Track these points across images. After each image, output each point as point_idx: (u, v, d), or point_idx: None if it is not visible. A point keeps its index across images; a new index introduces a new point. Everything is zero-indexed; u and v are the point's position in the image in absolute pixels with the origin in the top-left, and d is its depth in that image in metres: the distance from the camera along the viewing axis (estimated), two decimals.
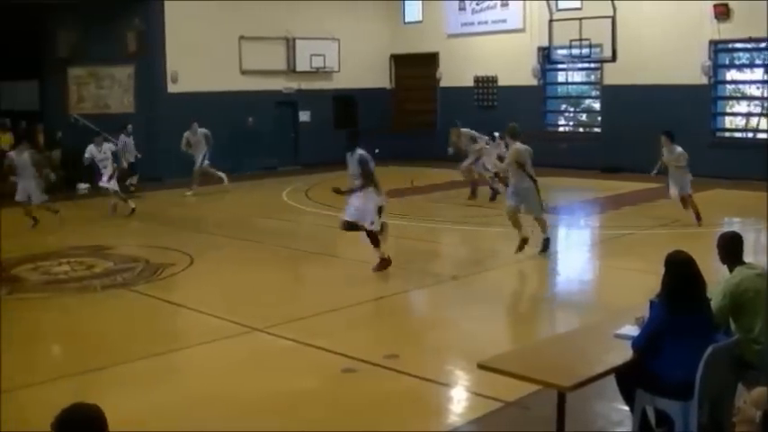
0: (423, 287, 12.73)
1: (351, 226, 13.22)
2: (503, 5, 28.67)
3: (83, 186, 24.28)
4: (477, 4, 29.36)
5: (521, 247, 13.89)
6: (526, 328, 10.25)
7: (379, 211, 13.11)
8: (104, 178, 19.78)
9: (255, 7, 27.10)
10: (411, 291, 12.72)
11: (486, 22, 29.20)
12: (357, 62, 30.25)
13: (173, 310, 11.95)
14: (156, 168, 25.03)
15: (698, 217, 16.32)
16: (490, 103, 29.12)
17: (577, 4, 26.05)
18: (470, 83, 29.76)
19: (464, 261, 14.71)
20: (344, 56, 29.75)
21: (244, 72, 27.67)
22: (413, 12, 31.75)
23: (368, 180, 12.87)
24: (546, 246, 14.23)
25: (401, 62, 32.21)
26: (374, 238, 13.12)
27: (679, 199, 16.51)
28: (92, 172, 22.41)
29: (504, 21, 28.65)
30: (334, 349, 9.37)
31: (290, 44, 28.80)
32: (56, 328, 11.14)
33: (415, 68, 31.63)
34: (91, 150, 19.82)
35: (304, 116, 29.30)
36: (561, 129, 29.27)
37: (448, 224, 17.99)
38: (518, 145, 14.05)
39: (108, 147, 20.08)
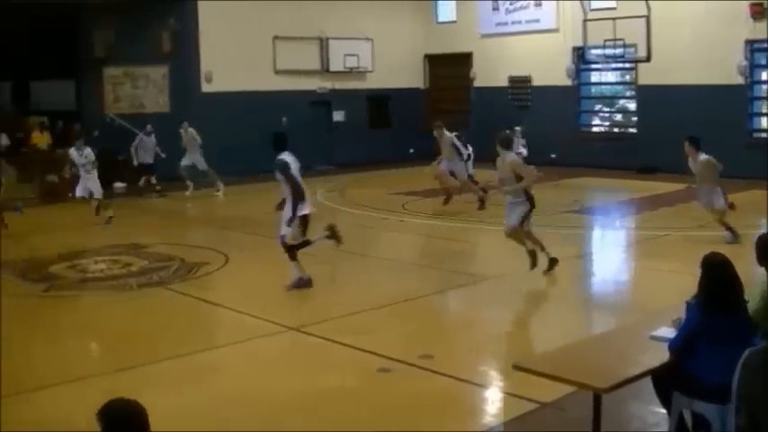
0: (457, 287, 12.70)
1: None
2: (536, 5, 28.55)
3: (119, 185, 24.47)
4: (511, 4, 29.25)
5: (550, 268, 12.79)
6: (561, 329, 10.20)
7: (303, 221, 12.07)
8: (85, 184, 18.80)
9: (289, 7, 27.17)
10: (445, 291, 12.69)
11: (519, 22, 29.08)
12: (391, 62, 30.25)
13: (208, 309, 12.01)
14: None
15: (731, 231, 14.69)
16: (524, 103, 29.01)
17: (612, 4, 25.94)
18: (504, 83, 29.65)
19: (498, 261, 14.66)
20: (378, 56, 29.78)
21: (278, 72, 27.76)
22: (446, 12, 31.72)
23: (294, 186, 11.88)
24: (534, 263, 12.74)
25: (435, 62, 32.19)
26: (292, 251, 12.20)
27: (719, 213, 14.86)
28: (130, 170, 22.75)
29: (537, 21, 28.53)
30: (369, 349, 9.40)
31: (324, 44, 28.86)
32: (92, 326, 11.21)
33: (449, 68, 31.59)
34: (72, 154, 19.17)
35: (338, 116, 29.36)
36: (596, 129, 29.10)
37: (481, 224, 17.94)
38: (513, 155, 12.91)
39: (89, 152, 19.10)
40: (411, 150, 29.47)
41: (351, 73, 29.50)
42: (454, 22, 31.31)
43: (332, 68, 29.04)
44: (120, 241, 16.40)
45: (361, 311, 11.17)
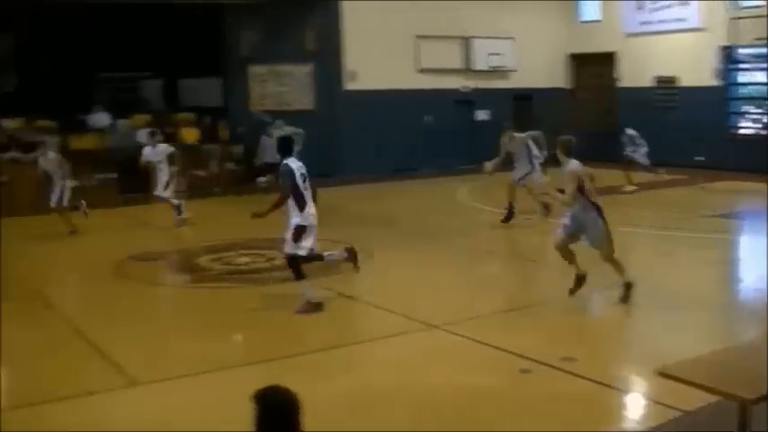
0: (600, 290, 12.54)
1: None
2: (681, 4, 27.93)
3: (263, 180, 24.94)
4: (656, 3, 28.74)
5: (575, 288, 11.55)
6: (705, 336, 10.03)
7: (299, 232, 11.24)
8: (159, 187, 18.49)
9: (432, 7, 27.27)
10: (588, 293, 12.55)
11: (664, 21, 28.50)
12: (534, 61, 30.08)
13: (350, 305, 12.18)
14: (335, 165, 25.55)
15: None
16: (670, 104, 28.44)
17: (761, 2, 25.21)
18: (650, 83, 29.10)
19: (641, 264, 14.43)
20: (521, 55, 29.63)
21: (421, 71, 27.90)
22: (590, 10, 31.30)
23: (295, 196, 11.15)
24: (627, 293, 11.35)
25: (579, 61, 31.84)
26: (296, 268, 11.44)
27: None
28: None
29: (683, 19, 27.89)
30: (512, 349, 9.40)
31: (467, 43, 28.89)
32: (235, 317, 11.48)
33: (593, 68, 31.21)
34: (146, 153, 18.71)
35: (482, 115, 29.28)
36: (745, 131, 28.27)
37: (625, 227, 17.69)
38: (575, 164, 11.30)
39: (164, 148, 18.79)
40: (554, 153, 29.21)
41: (494, 72, 29.46)
42: (598, 21, 30.90)
43: (475, 67, 29.05)
44: (263, 235, 16.73)
45: (505, 311, 11.20)
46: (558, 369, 8.76)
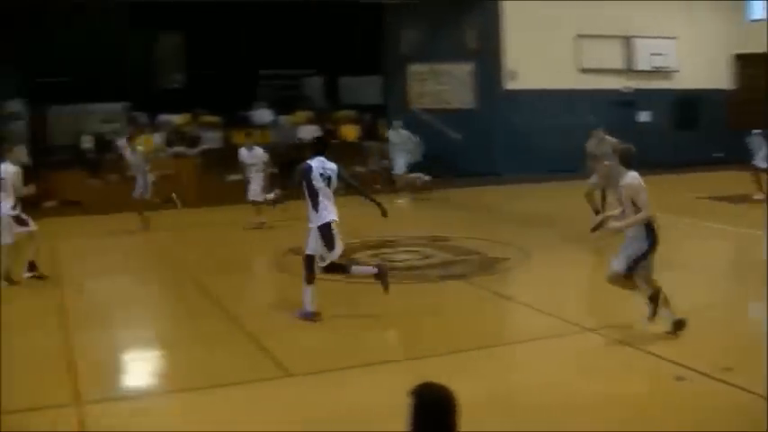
0: (757, 299, 12.17)
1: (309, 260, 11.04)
2: None
3: (423, 177, 25.09)
4: None
5: (675, 329, 9.93)
6: None
7: (329, 233, 10.89)
8: (252, 186, 18.31)
9: (592, 6, 26.95)
10: (754, 302, 12.20)
11: None
12: (697, 61, 29.36)
13: (506, 305, 12.20)
14: (494, 164, 25.53)
15: None
16: None
17: None
18: None
19: None
20: (683, 55, 28.99)
21: (582, 70, 27.61)
22: (758, 9, 30.31)
23: (309, 195, 10.81)
24: (654, 312, 10.02)
25: (744, 62, 30.88)
26: (336, 269, 11.23)
27: None
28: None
29: None
30: (667, 356, 9.24)
31: (628, 43, 28.43)
32: (391, 314, 11.49)
33: (760, 68, 30.18)
34: (242, 154, 18.77)
35: (644, 116, 28.76)
36: None
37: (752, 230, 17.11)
38: (632, 176, 9.83)
39: (260, 154, 18.74)
40: (721, 154, 28.47)
41: (656, 72, 28.92)
42: (765, 20, 29.84)
43: (636, 67, 28.60)
44: (420, 233, 16.85)
45: (660, 317, 10.96)
46: (713, 378, 8.57)
